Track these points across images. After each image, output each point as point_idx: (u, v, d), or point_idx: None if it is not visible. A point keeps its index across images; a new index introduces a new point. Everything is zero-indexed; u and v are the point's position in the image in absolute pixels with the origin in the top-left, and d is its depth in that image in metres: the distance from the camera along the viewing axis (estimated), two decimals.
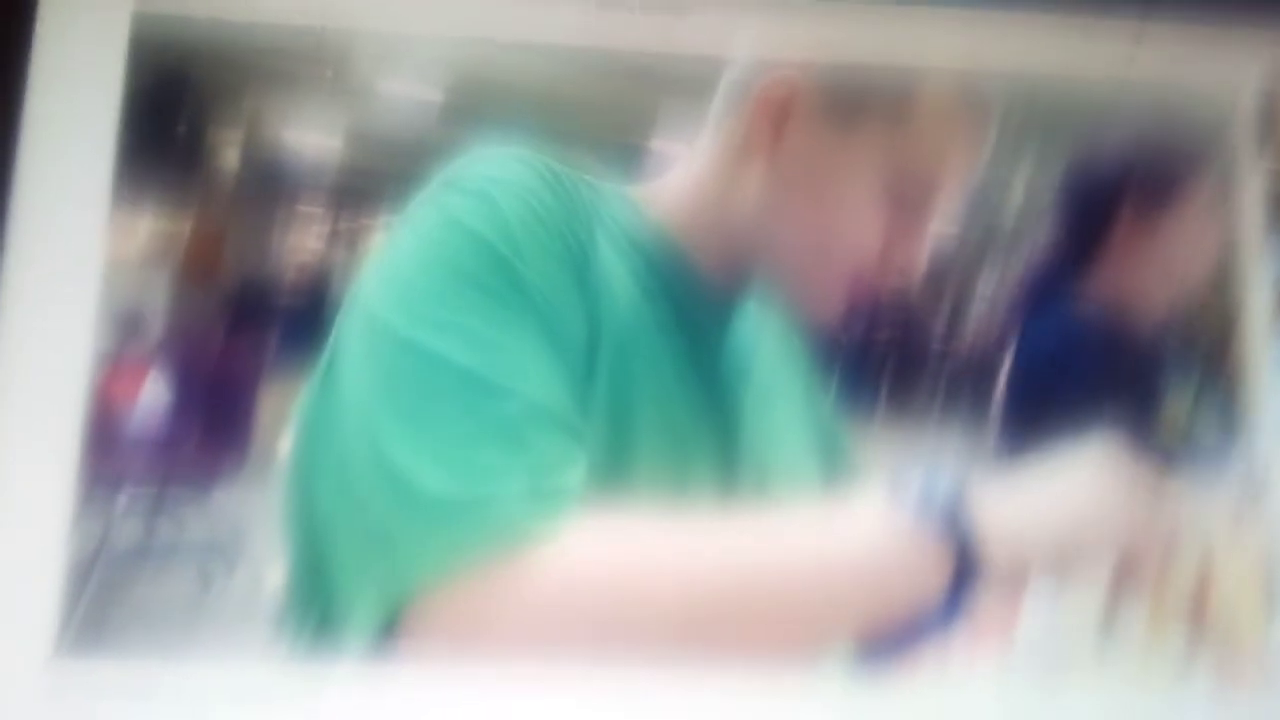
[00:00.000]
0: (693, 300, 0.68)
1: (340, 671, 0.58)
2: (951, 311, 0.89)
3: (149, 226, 0.81)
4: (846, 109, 0.65)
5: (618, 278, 0.64)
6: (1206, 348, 0.86)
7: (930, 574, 0.55)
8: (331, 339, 0.62)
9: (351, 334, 0.59)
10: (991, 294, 0.89)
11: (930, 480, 0.57)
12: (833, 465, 0.75)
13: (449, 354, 0.55)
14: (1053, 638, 0.64)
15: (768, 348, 0.75)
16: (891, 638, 0.64)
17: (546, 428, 0.55)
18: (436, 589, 0.51)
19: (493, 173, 0.61)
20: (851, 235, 0.65)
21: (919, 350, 0.89)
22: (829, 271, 0.66)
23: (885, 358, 0.89)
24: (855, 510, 0.58)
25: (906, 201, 0.65)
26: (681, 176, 0.70)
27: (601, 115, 0.76)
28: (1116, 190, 0.90)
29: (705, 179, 0.68)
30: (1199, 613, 0.64)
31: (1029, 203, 0.88)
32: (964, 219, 0.93)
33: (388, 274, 0.60)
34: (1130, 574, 0.60)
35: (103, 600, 0.67)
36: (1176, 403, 0.87)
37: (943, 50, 0.71)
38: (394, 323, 0.57)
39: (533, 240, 0.59)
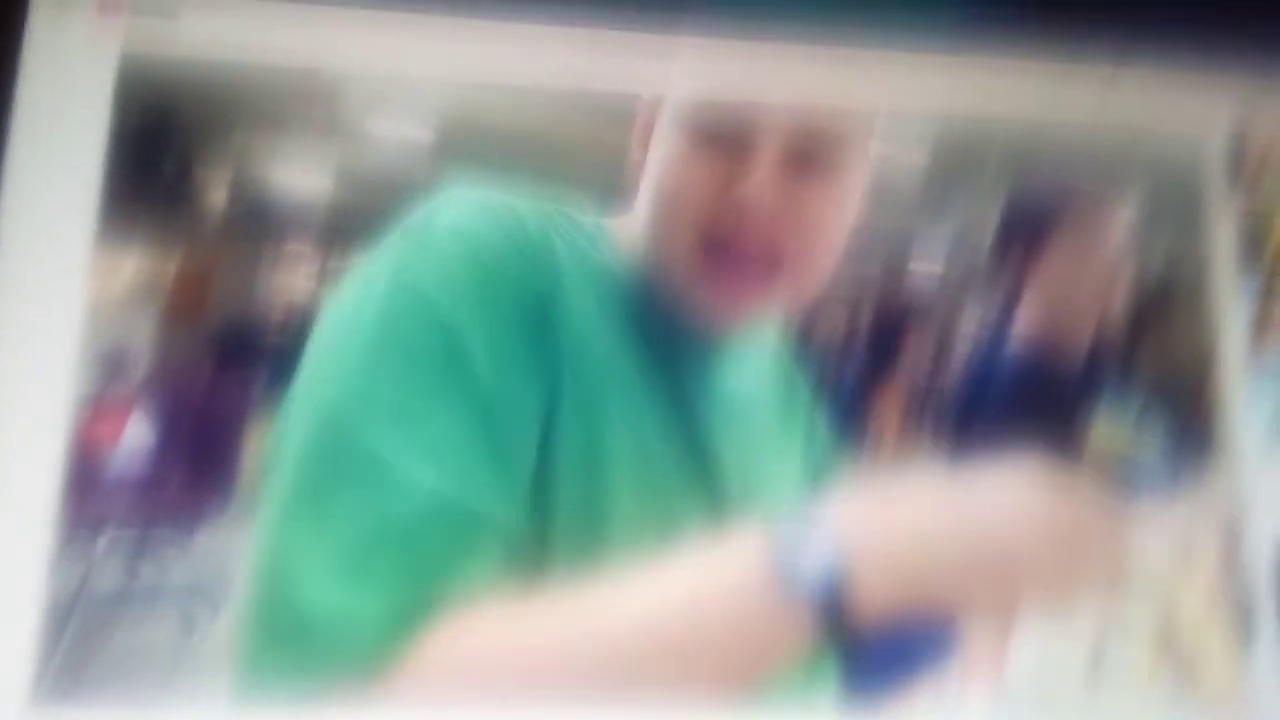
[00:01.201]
0: (673, 336, 0.66)
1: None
2: (936, 349, 0.90)
3: (134, 265, 0.80)
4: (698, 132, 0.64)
5: (590, 322, 0.63)
6: (1172, 381, 0.88)
7: (789, 629, 0.52)
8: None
9: (296, 387, 0.59)
10: (974, 331, 0.90)
11: (799, 535, 0.53)
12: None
13: (362, 431, 0.54)
14: (1043, 672, 0.64)
15: (763, 388, 0.73)
16: (879, 673, 0.64)
17: (444, 527, 0.53)
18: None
19: (449, 221, 0.60)
20: (680, 185, 0.64)
21: (903, 389, 0.90)
22: (678, 229, 0.64)
23: (870, 397, 0.90)
24: (729, 556, 0.55)
25: (722, 142, 0.63)
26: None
27: (591, 156, 0.77)
28: (1040, 226, 0.92)
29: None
30: (1168, 643, 0.65)
31: (994, 239, 0.90)
32: (946, 259, 0.94)
33: (327, 329, 0.59)
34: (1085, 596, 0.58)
35: (82, 646, 0.66)
36: (1108, 427, 0.88)
37: (918, 94, 0.73)
38: (320, 386, 0.57)
39: (480, 297, 0.58)
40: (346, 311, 0.59)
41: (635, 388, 0.63)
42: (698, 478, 0.65)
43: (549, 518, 0.58)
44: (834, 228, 0.65)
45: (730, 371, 0.70)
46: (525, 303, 0.59)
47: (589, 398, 0.61)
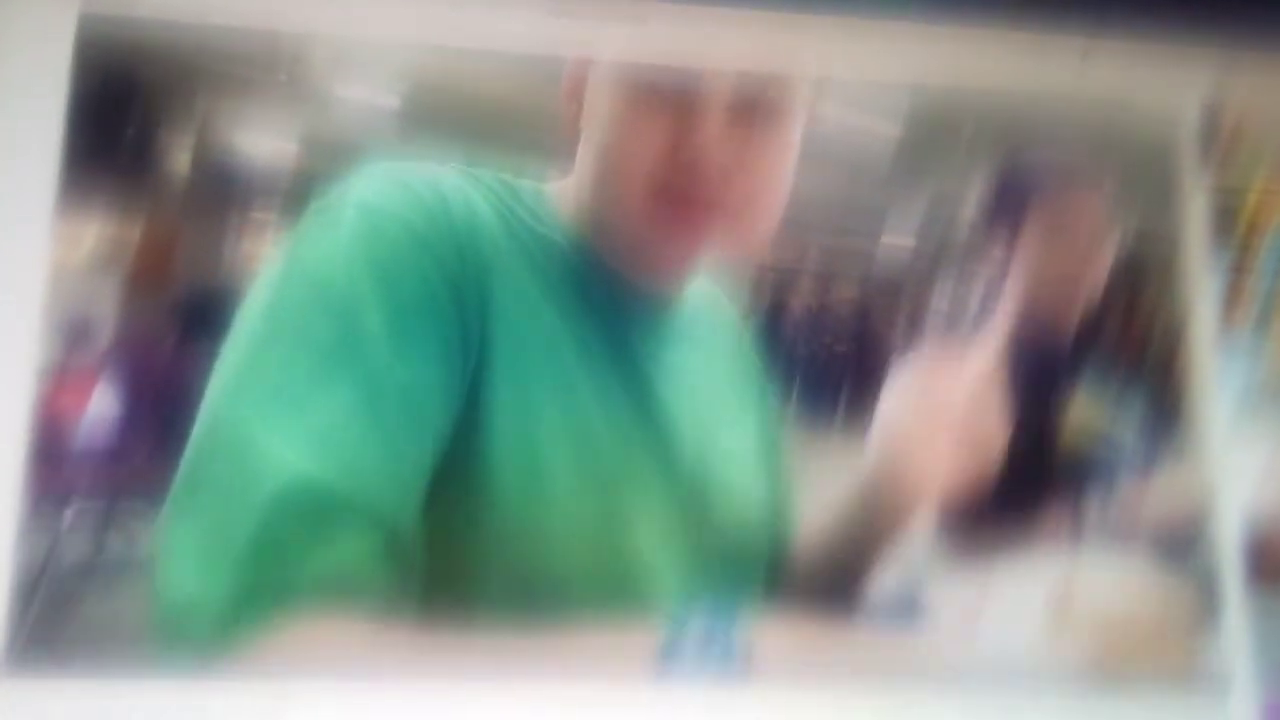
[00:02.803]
0: (616, 302, 0.65)
1: (296, 690, 0.57)
2: (907, 323, 0.90)
3: (96, 232, 0.79)
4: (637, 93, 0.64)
5: (525, 295, 0.61)
6: (1141, 357, 0.89)
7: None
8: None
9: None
10: (947, 306, 0.91)
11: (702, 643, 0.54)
12: (776, 479, 0.74)
13: (239, 415, 0.53)
14: (1009, 634, 0.65)
15: (714, 358, 0.72)
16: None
17: (307, 512, 0.51)
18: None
19: (359, 198, 0.58)
20: (628, 143, 0.63)
21: (876, 362, 0.90)
22: (628, 185, 0.63)
23: (843, 370, 0.90)
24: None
25: (668, 97, 0.62)
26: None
27: (557, 123, 0.76)
28: (1024, 203, 0.93)
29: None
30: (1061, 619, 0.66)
31: (974, 214, 0.90)
32: (918, 232, 0.94)
33: (239, 313, 0.57)
34: None
35: (49, 618, 0.65)
36: (1086, 403, 0.89)
37: (894, 63, 0.72)
38: (215, 374, 0.55)
39: (382, 276, 0.55)
40: (252, 295, 0.57)
41: (576, 358, 0.62)
42: (647, 447, 0.64)
43: (483, 493, 0.57)
44: (780, 174, 0.65)
45: (677, 339, 0.69)
46: (439, 280, 0.57)
47: (522, 372, 0.59)
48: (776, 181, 0.65)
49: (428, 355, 0.56)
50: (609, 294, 0.64)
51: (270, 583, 0.50)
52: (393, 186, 0.58)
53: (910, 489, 0.68)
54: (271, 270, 0.57)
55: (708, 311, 0.72)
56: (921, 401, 0.70)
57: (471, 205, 0.60)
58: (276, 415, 0.52)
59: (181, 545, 0.52)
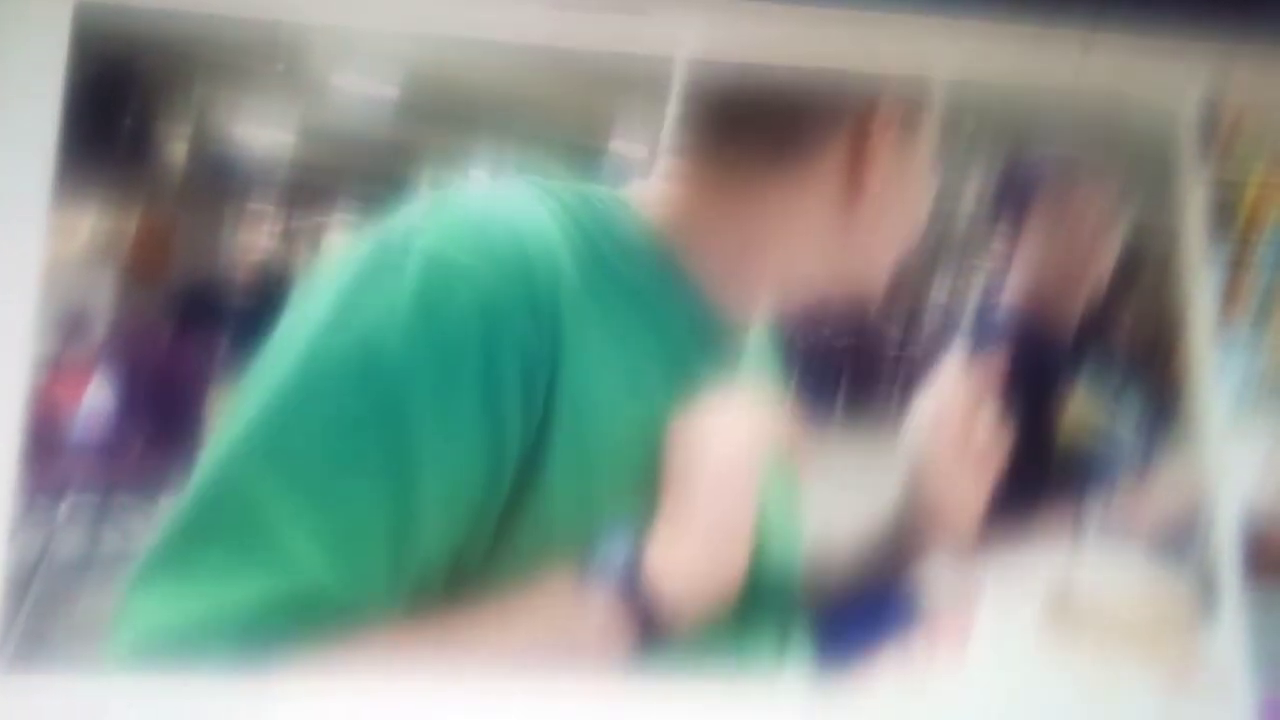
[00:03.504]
0: (694, 329, 0.60)
1: (290, 686, 0.57)
2: (907, 317, 0.90)
3: (92, 223, 0.79)
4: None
5: (596, 337, 0.55)
6: (1139, 352, 0.89)
7: (611, 628, 0.53)
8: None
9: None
10: (945, 300, 0.90)
11: (610, 550, 0.53)
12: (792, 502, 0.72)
13: (262, 489, 0.49)
14: (1005, 637, 0.65)
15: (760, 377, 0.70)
16: (845, 641, 0.65)
17: (301, 618, 0.49)
18: None
19: (434, 246, 0.51)
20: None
21: (875, 356, 0.90)
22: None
23: (842, 363, 0.90)
24: (550, 582, 0.54)
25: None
26: (686, 193, 0.62)
27: (558, 114, 0.76)
28: (1028, 197, 0.93)
29: (719, 189, 0.61)
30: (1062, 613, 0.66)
31: (978, 210, 0.90)
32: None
33: (276, 336, 0.53)
34: None
35: (44, 613, 0.65)
36: (1086, 399, 0.89)
37: (891, 56, 0.72)
38: (238, 411, 0.51)
39: (444, 357, 0.50)
40: (293, 324, 0.52)
41: (645, 398, 0.57)
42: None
43: (543, 544, 0.54)
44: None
45: (744, 364, 0.65)
46: (507, 354, 0.51)
47: (585, 426, 0.54)
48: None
49: (474, 445, 0.50)
50: (688, 319, 0.60)
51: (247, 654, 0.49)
52: (467, 232, 0.52)
53: (941, 524, 0.69)
54: (320, 302, 0.51)
55: (762, 334, 0.70)
56: (947, 433, 0.69)
57: (551, 248, 0.53)
58: (296, 499, 0.49)
59: (166, 596, 0.49)
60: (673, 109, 0.68)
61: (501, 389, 0.50)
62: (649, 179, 0.63)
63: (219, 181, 0.87)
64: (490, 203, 0.54)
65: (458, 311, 0.50)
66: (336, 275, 0.52)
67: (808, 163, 0.60)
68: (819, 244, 0.61)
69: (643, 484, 0.56)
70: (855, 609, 0.69)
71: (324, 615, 0.49)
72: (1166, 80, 0.74)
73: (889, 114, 0.60)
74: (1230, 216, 0.75)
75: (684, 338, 0.60)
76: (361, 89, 0.84)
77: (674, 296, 0.60)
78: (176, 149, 0.86)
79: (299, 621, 0.49)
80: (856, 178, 0.59)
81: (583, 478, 0.54)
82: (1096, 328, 0.90)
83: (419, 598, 0.52)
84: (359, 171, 0.59)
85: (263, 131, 0.87)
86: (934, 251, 0.91)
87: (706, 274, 0.60)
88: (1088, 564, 0.73)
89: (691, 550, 0.54)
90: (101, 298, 0.81)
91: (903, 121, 0.60)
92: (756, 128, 0.61)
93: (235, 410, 0.51)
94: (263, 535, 0.48)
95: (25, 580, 0.64)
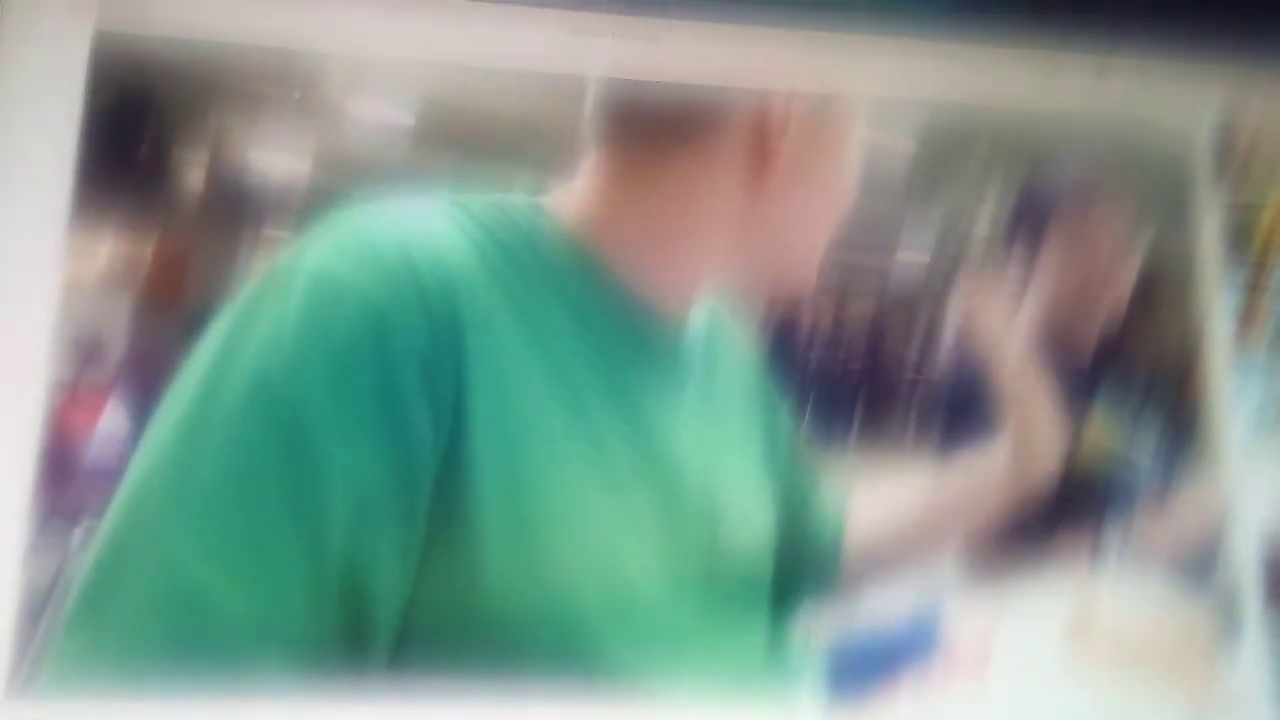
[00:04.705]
0: (617, 327, 0.60)
1: (306, 711, 0.56)
2: (923, 339, 0.90)
3: (109, 249, 0.79)
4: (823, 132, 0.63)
5: (508, 344, 0.55)
6: (1157, 375, 0.89)
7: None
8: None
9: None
10: (961, 323, 0.90)
11: None
12: (792, 500, 0.72)
13: (171, 539, 0.48)
14: (1024, 664, 0.65)
15: (713, 372, 0.68)
16: (863, 668, 0.64)
17: (219, 639, 0.48)
18: None
19: (319, 264, 0.51)
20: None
21: (891, 378, 0.90)
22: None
23: (858, 386, 0.90)
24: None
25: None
26: (596, 186, 0.62)
27: (573, 141, 0.76)
28: (1044, 219, 0.93)
29: (629, 178, 0.61)
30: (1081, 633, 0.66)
31: (994, 232, 0.90)
32: (933, 249, 0.94)
33: (180, 378, 0.52)
34: None
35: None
36: (1104, 423, 0.89)
37: (909, 80, 0.72)
38: (150, 446, 0.50)
39: (336, 375, 0.49)
40: (191, 363, 0.52)
41: (568, 400, 0.57)
42: (647, 480, 0.60)
43: (473, 554, 0.52)
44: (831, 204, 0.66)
45: (683, 362, 0.65)
46: (404, 364, 0.50)
47: (507, 429, 0.53)
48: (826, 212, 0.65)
49: (382, 458, 0.49)
50: (613, 317, 0.60)
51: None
52: (352, 247, 0.51)
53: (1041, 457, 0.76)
54: (215, 332, 0.52)
55: (713, 329, 0.69)
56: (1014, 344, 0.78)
57: (443, 260, 0.53)
58: (202, 532, 0.48)
59: (83, 644, 0.49)
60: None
61: (400, 395, 0.50)
62: (567, 183, 0.63)
63: (235, 207, 0.87)
64: (380, 219, 0.54)
65: (345, 323, 0.49)
66: (233, 304, 0.52)
67: (709, 139, 0.60)
68: (732, 225, 0.61)
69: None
70: (874, 637, 0.68)
71: (243, 646, 0.48)
72: (1182, 104, 0.74)
73: (795, 101, 0.61)
74: (1246, 239, 0.74)
75: (612, 332, 0.60)
76: (377, 116, 0.85)
77: (596, 292, 0.60)
78: (193, 175, 0.87)
79: (217, 655, 0.48)
80: (760, 154, 0.60)
81: (513, 494, 0.53)
82: (1114, 351, 0.90)
83: (373, 630, 0.51)
84: (375, 198, 0.59)
85: (279, 158, 0.88)
86: (950, 274, 0.91)
87: (628, 267, 0.60)
88: (1107, 588, 0.73)
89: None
90: (118, 323, 0.82)
91: (812, 108, 0.61)
92: (661, 115, 0.61)
93: (140, 451, 0.51)
94: (170, 574, 0.48)
95: (40, 605, 0.63)
